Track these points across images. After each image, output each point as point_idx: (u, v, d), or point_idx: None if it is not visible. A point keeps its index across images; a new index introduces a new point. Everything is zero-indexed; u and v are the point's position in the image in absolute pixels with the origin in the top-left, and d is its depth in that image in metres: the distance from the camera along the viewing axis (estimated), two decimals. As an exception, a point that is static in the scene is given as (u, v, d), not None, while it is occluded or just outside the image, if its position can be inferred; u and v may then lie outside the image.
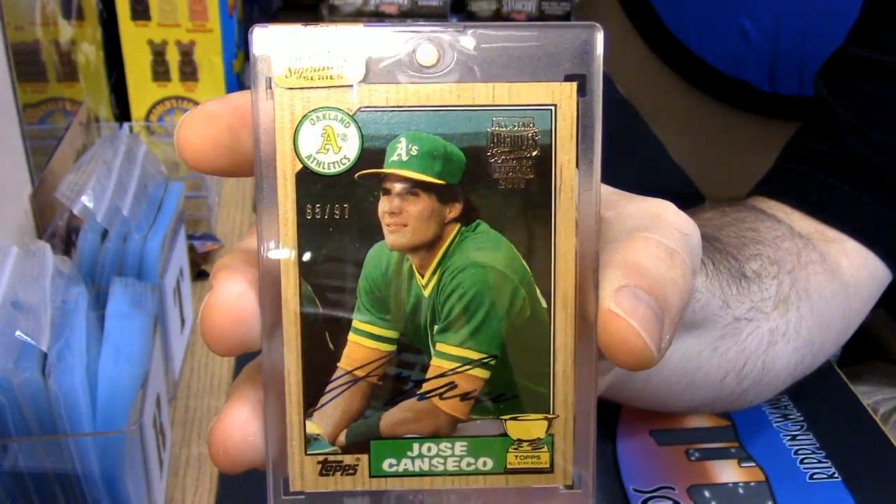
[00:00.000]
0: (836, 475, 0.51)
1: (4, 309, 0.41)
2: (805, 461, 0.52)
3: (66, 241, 0.61)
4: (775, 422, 0.55)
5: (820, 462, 0.52)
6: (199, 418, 0.56)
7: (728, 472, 0.51)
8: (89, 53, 0.79)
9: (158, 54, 0.84)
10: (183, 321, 0.61)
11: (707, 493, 0.49)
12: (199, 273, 0.71)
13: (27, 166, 0.60)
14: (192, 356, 0.62)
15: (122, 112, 0.87)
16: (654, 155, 0.98)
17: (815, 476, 0.51)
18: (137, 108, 0.86)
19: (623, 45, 1.40)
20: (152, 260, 0.55)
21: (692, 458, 0.52)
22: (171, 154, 0.80)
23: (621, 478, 0.50)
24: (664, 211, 0.28)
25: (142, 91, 0.85)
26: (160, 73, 0.85)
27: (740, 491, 0.50)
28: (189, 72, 0.86)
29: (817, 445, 0.53)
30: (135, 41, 0.84)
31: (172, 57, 0.85)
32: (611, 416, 0.55)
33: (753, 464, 0.52)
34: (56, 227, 0.61)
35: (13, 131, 0.59)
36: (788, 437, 0.54)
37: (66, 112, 0.71)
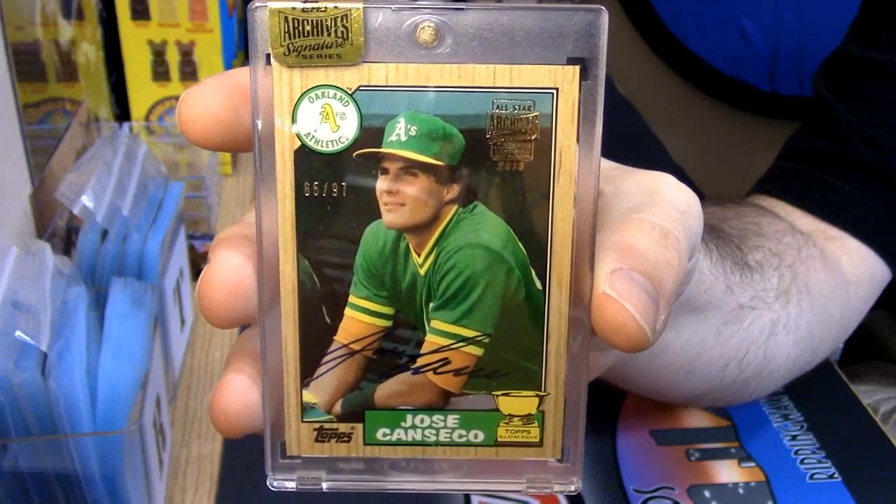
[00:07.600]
0: (836, 475, 0.51)
1: (4, 309, 0.41)
2: (805, 461, 0.52)
3: (66, 241, 0.61)
4: (775, 422, 0.55)
5: (820, 462, 0.52)
6: (199, 418, 0.56)
7: (728, 472, 0.51)
8: (89, 53, 0.79)
9: (158, 54, 0.84)
10: (183, 321, 0.61)
11: (707, 494, 0.49)
12: (199, 273, 0.70)
13: (27, 166, 0.60)
14: (192, 356, 0.62)
15: (122, 112, 0.87)
16: (653, 155, 0.98)
17: (815, 476, 0.51)
18: (137, 108, 0.86)
19: (623, 45, 1.40)
20: (152, 260, 0.55)
21: (692, 458, 0.52)
22: (171, 154, 0.80)
23: (621, 478, 0.50)
24: (663, 187, 0.28)
25: (142, 91, 0.85)
26: (160, 73, 0.85)
27: (740, 491, 0.50)
28: (189, 72, 0.85)
29: (817, 445, 0.53)
30: (135, 41, 0.83)
31: (172, 57, 0.85)
32: (611, 416, 0.55)
33: (753, 464, 0.52)
34: (56, 227, 0.61)
35: (13, 131, 0.59)
36: (788, 437, 0.54)
37: (66, 112, 0.71)
